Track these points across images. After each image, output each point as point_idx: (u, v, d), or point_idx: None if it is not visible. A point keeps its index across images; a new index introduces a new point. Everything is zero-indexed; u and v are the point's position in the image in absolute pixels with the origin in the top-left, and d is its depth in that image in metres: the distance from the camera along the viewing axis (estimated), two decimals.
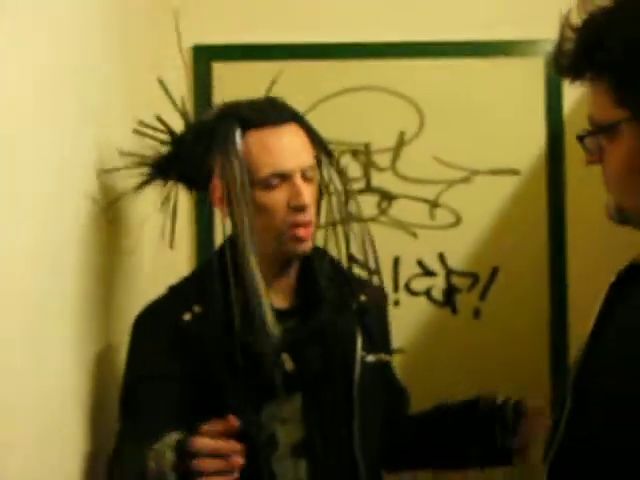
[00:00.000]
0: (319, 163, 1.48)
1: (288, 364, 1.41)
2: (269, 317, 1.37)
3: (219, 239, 1.54)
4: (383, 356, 1.53)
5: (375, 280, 1.64)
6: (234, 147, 1.38)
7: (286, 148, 1.41)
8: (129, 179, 1.54)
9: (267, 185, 1.39)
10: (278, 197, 1.39)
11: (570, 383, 0.84)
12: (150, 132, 1.50)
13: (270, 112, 1.43)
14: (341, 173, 1.53)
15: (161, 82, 1.54)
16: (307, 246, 1.43)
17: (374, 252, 1.51)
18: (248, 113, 1.42)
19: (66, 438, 1.39)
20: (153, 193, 1.55)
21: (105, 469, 1.42)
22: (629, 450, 0.82)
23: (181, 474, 1.16)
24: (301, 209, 1.39)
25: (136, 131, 1.52)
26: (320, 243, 1.50)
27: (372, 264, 1.51)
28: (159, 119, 1.51)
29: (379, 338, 1.53)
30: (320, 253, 1.51)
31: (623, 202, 0.92)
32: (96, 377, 1.52)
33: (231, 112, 1.43)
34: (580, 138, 0.95)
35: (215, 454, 1.15)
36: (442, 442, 1.52)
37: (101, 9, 1.56)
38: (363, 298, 1.50)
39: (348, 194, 1.52)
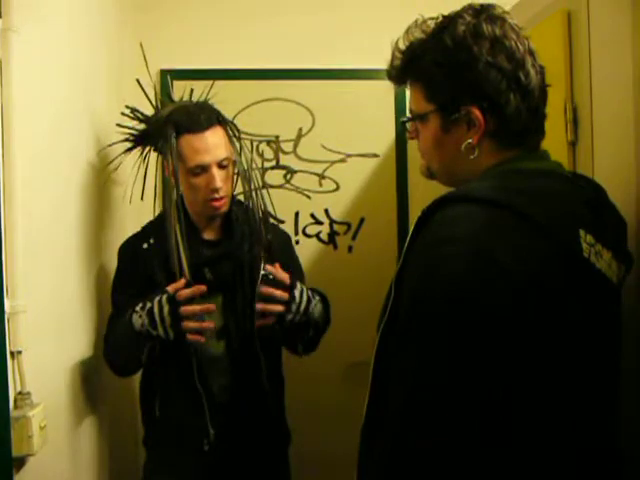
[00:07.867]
0: (239, 151, 1.68)
1: (208, 275, 1.66)
2: (183, 252, 1.57)
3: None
4: None
5: (280, 226, 1.93)
6: (170, 146, 1.61)
7: (206, 147, 1.60)
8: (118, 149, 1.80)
9: (193, 173, 1.62)
10: (200, 181, 1.62)
11: (393, 281, 0.95)
12: (131, 114, 1.78)
13: (198, 118, 1.60)
14: (248, 158, 1.72)
15: (139, 83, 1.85)
16: (222, 211, 1.67)
17: (265, 208, 1.73)
18: (182, 121, 1.61)
19: (79, 326, 1.65)
20: (133, 160, 1.80)
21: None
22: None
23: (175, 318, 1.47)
24: (215, 190, 1.62)
25: (122, 114, 1.78)
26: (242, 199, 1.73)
27: (261, 213, 1.73)
28: (130, 107, 1.78)
29: (283, 264, 1.70)
30: (242, 205, 1.75)
31: (430, 165, 1.11)
32: (95, 284, 1.81)
33: (172, 119, 1.63)
34: (403, 122, 1.14)
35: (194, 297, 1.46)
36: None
37: (106, 43, 2.03)
38: (270, 237, 1.73)
39: (252, 172, 1.73)
